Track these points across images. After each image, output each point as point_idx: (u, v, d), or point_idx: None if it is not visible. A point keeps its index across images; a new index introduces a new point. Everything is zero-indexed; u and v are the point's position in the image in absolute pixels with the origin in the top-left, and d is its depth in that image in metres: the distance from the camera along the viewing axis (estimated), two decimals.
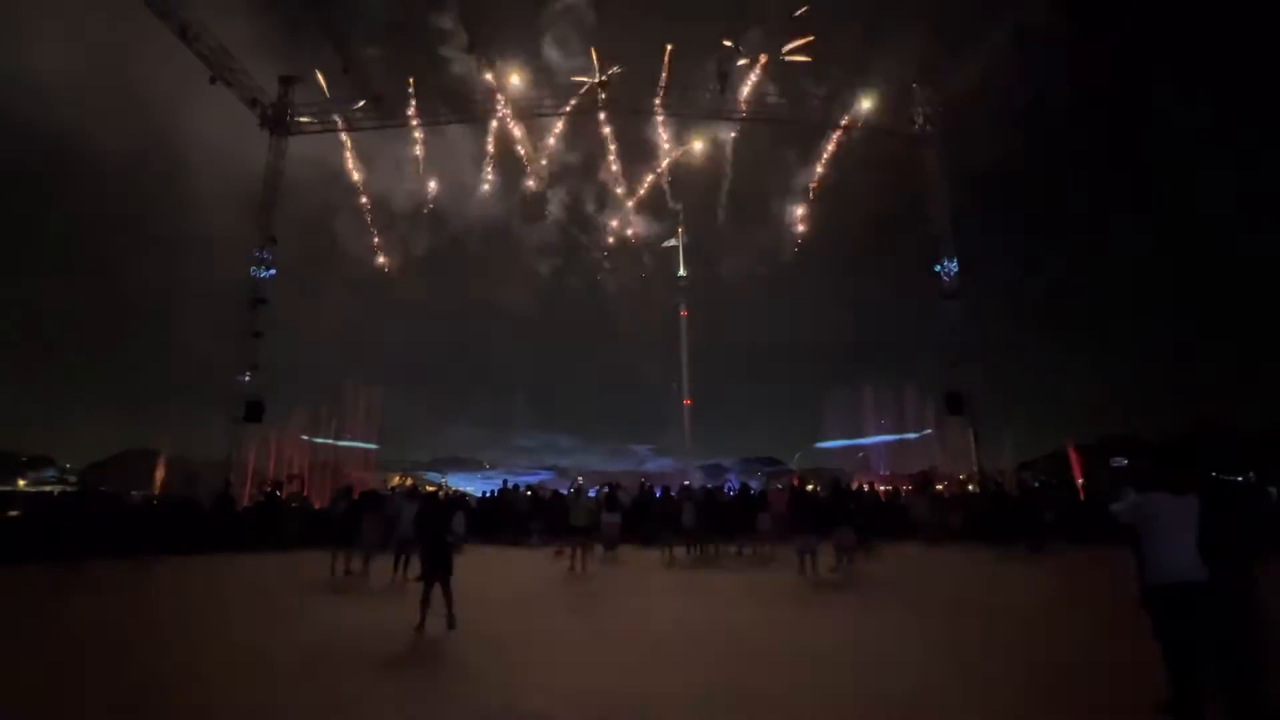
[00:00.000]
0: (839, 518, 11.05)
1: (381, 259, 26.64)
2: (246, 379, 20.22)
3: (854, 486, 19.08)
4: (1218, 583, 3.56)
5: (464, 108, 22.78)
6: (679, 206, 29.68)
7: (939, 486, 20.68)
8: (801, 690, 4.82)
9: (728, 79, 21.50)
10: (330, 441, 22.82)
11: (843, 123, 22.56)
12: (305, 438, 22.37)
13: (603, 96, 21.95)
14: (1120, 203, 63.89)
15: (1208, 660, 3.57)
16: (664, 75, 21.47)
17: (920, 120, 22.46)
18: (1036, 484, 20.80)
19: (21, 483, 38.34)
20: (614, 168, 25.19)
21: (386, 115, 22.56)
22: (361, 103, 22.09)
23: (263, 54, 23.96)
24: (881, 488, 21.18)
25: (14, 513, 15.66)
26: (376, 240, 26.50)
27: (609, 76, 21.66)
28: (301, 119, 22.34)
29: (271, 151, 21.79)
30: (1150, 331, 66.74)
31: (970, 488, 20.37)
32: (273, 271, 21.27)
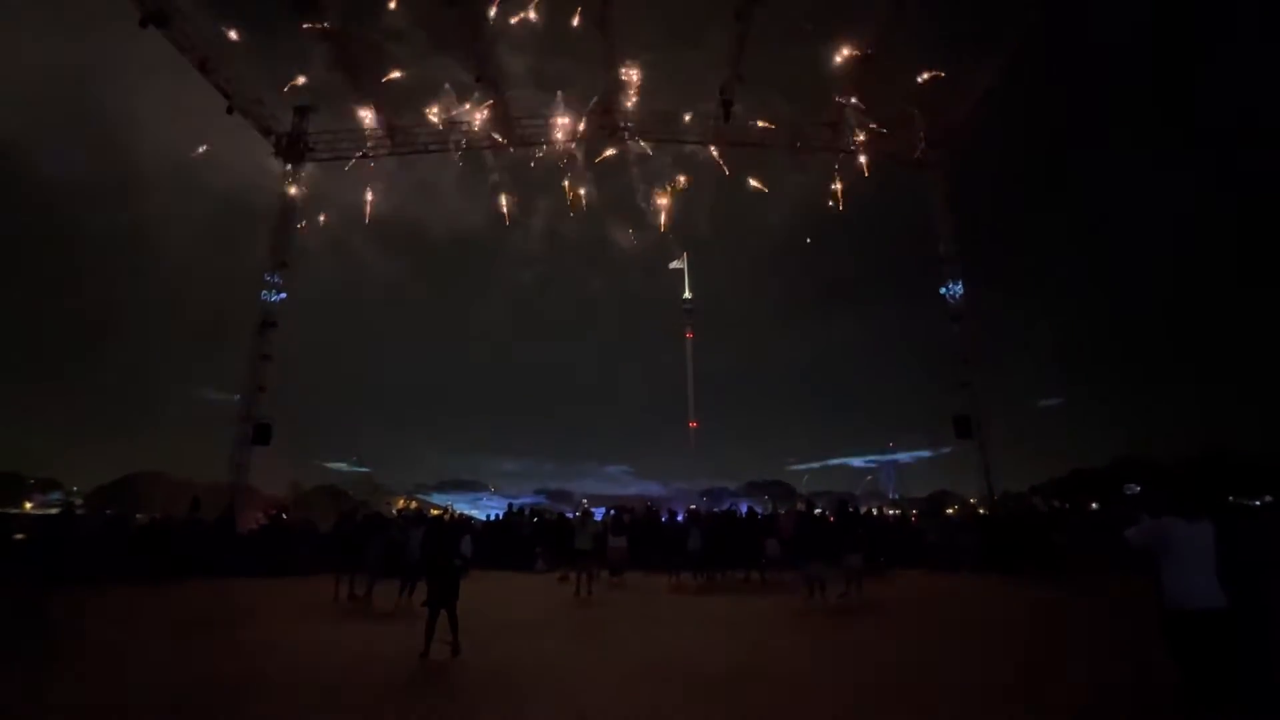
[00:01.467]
0: (847, 543, 10.90)
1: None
2: (251, 401, 20.29)
3: (863, 510, 18.86)
4: (1235, 607, 3.53)
5: (464, 134, 22.98)
6: (675, 229, 29.63)
7: (949, 510, 20.41)
8: (806, 718, 4.73)
9: (730, 106, 21.79)
10: (328, 464, 22.77)
11: (844, 149, 22.82)
12: (327, 464, 22.34)
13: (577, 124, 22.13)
14: (1127, 220, 64.20)
15: (1227, 683, 3.53)
16: (631, 94, 21.56)
17: (922, 146, 22.75)
18: (1046, 508, 20.54)
19: (28, 505, 38.42)
20: (589, 187, 25.25)
21: (400, 143, 22.99)
22: (392, 131, 22.36)
23: (275, 81, 24.12)
24: (891, 512, 20.93)
25: (19, 535, 15.63)
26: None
27: (612, 103, 21.99)
28: (316, 147, 22.84)
29: (286, 180, 22.28)
30: (1163, 353, 66.39)
31: (981, 511, 20.11)
32: (283, 295, 21.52)
